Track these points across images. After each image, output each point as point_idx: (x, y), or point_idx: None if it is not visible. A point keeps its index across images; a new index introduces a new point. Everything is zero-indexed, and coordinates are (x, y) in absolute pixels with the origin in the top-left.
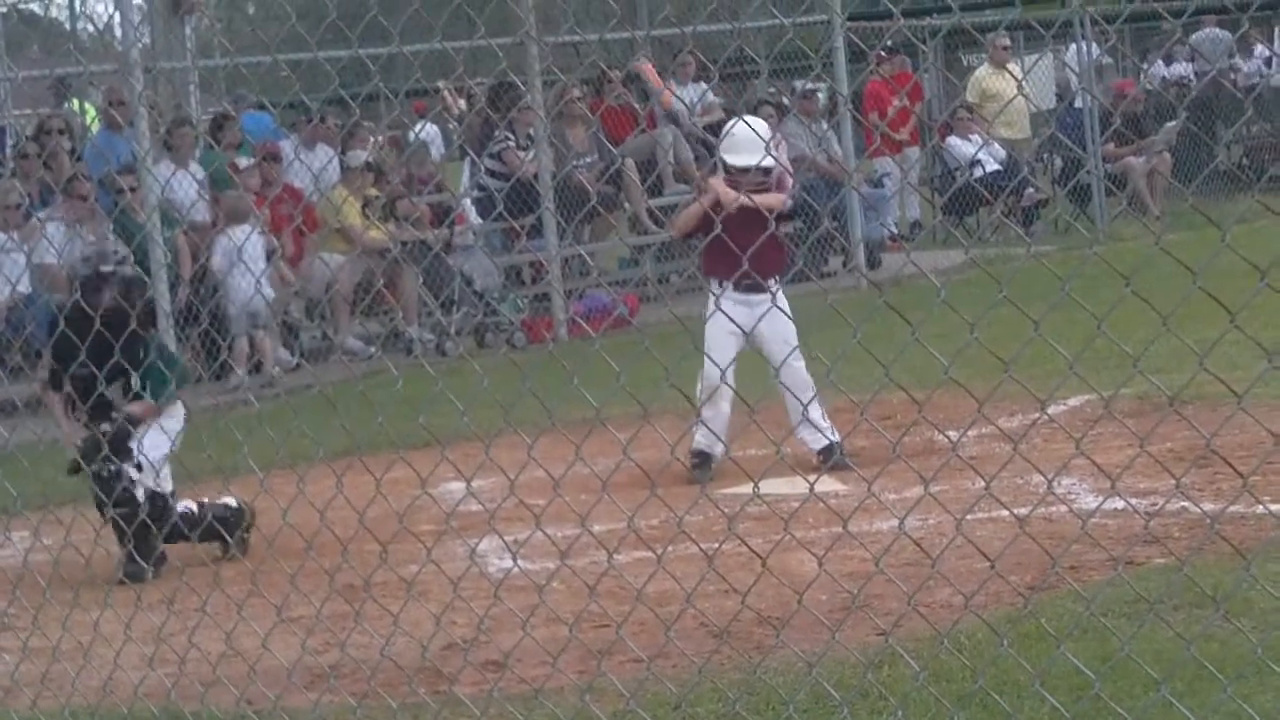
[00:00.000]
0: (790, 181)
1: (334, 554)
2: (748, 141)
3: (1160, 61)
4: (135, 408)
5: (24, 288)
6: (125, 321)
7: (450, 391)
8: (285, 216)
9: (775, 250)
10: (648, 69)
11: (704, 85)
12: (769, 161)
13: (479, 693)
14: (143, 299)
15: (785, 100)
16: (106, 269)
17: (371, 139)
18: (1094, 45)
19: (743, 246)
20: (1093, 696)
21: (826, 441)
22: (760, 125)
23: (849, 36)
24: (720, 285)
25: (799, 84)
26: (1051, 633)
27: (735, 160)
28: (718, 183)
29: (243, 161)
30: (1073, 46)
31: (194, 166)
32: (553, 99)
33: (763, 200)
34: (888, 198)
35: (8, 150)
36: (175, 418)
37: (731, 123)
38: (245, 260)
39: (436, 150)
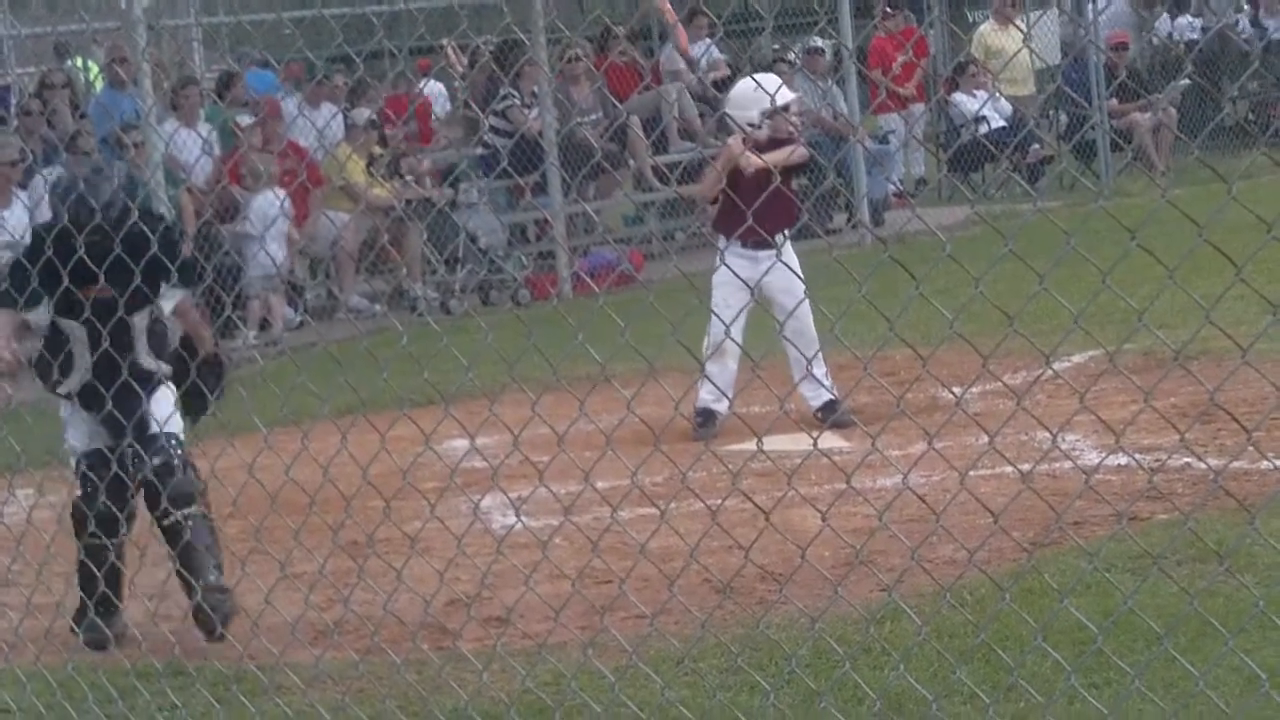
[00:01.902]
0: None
1: (337, 510)
2: (755, 96)
3: (1166, 15)
4: (187, 310)
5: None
6: (143, 226)
7: (455, 348)
8: (289, 174)
9: (785, 205)
10: (665, 6)
11: (707, 40)
12: (786, 98)
13: (482, 648)
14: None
15: (793, 56)
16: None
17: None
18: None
19: (751, 203)
20: (1095, 651)
21: (828, 398)
22: (768, 80)
23: None
24: (728, 242)
25: (803, 40)
26: (1055, 588)
27: (745, 115)
28: (735, 143)
29: (246, 120)
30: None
31: (200, 125)
32: (556, 58)
33: (786, 156)
34: (892, 154)
35: (11, 107)
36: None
37: (744, 82)
38: (254, 221)
39: (441, 107)
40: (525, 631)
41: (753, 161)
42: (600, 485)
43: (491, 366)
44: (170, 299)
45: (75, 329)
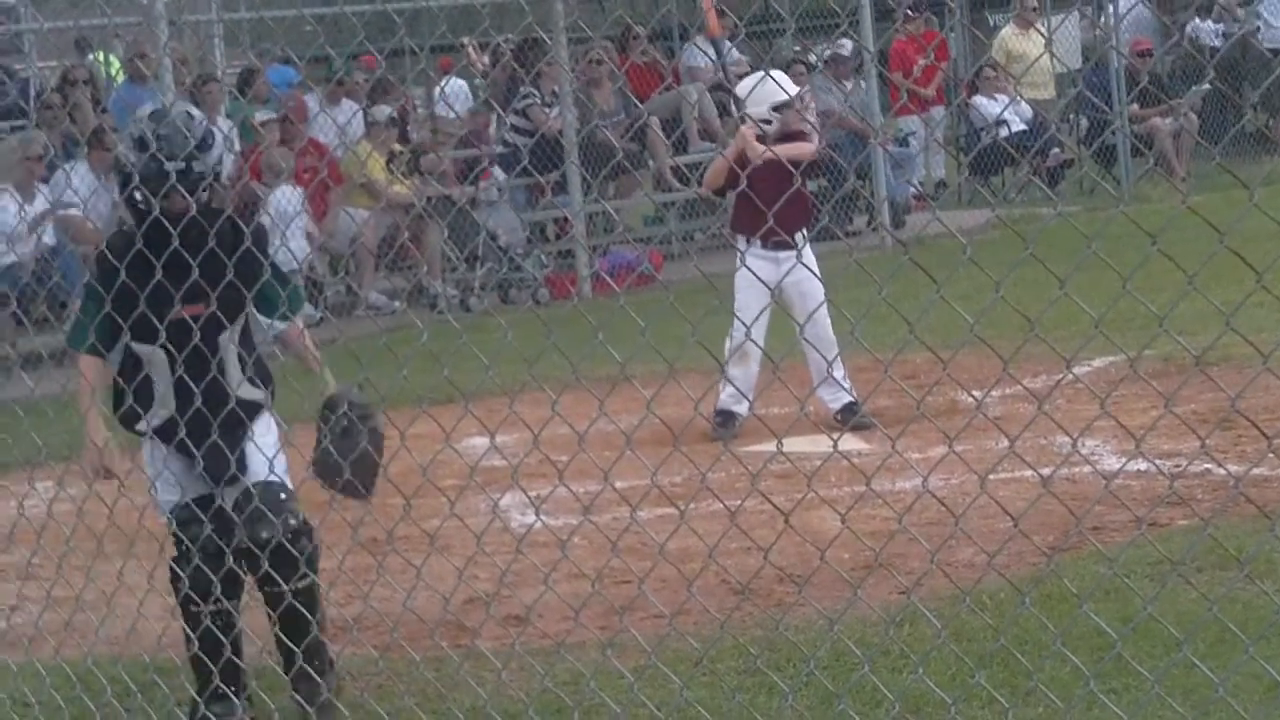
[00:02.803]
0: (816, 138)
1: (357, 507)
2: (765, 91)
3: (1195, 19)
4: (296, 337)
5: (49, 239)
6: (233, 233)
7: (475, 346)
8: (310, 171)
9: (802, 205)
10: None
11: (727, 42)
12: (789, 92)
13: (501, 646)
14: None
15: (813, 57)
16: (185, 165)
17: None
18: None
19: (770, 202)
20: (1115, 656)
21: (847, 400)
22: (781, 77)
23: None
24: (748, 242)
25: (826, 45)
26: (1074, 593)
27: (757, 109)
28: (747, 130)
29: (266, 116)
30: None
31: (221, 121)
32: (577, 58)
33: (791, 149)
34: (913, 156)
35: (32, 101)
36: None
37: (752, 76)
38: (274, 216)
39: (463, 105)
40: (544, 630)
41: (758, 149)
42: (619, 485)
43: (511, 365)
44: (279, 324)
45: (153, 354)
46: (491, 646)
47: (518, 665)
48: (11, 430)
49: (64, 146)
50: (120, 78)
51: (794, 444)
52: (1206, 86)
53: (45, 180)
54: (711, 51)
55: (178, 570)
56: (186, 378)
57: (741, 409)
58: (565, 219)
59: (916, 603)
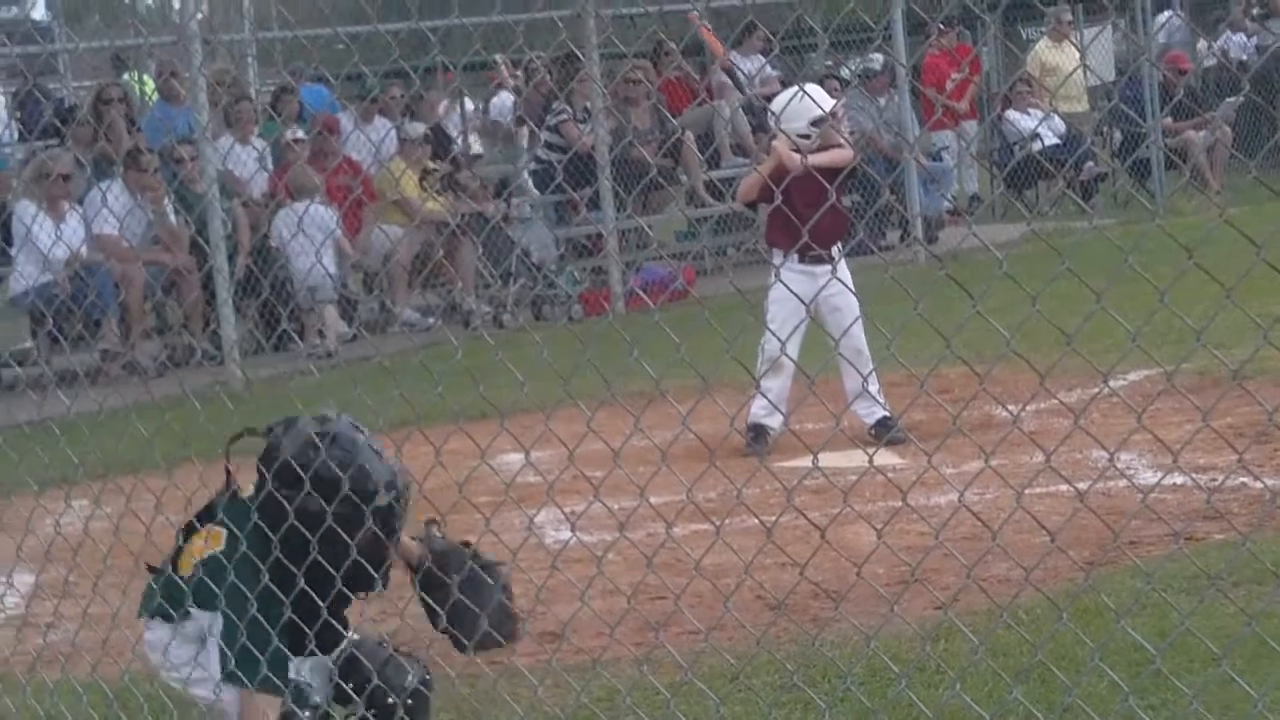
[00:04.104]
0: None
1: None
2: (802, 107)
3: (1228, 33)
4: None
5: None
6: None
7: (509, 363)
8: (344, 189)
9: (838, 217)
10: (705, 30)
11: (760, 58)
12: (825, 107)
13: (536, 663)
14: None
15: (847, 72)
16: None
17: (444, 106)
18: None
19: (806, 216)
20: (1153, 672)
21: (882, 414)
22: (817, 92)
23: (909, 6)
24: (784, 256)
25: (859, 60)
26: (1111, 607)
27: (794, 125)
28: (781, 145)
29: (299, 134)
30: (1161, 15)
31: (256, 140)
32: (610, 74)
33: (829, 157)
34: (947, 170)
35: (66, 121)
36: None
37: (788, 92)
38: (305, 232)
39: (507, 120)
40: (579, 646)
41: (795, 159)
42: (654, 501)
43: (546, 381)
44: None
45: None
46: (527, 663)
47: (553, 682)
48: (48, 448)
49: (97, 165)
50: (154, 97)
51: (829, 459)
52: (1241, 99)
53: (80, 200)
54: (728, 80)
55: None
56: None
57: (774, 422)
58: (598, 235)
59: (953, 618)
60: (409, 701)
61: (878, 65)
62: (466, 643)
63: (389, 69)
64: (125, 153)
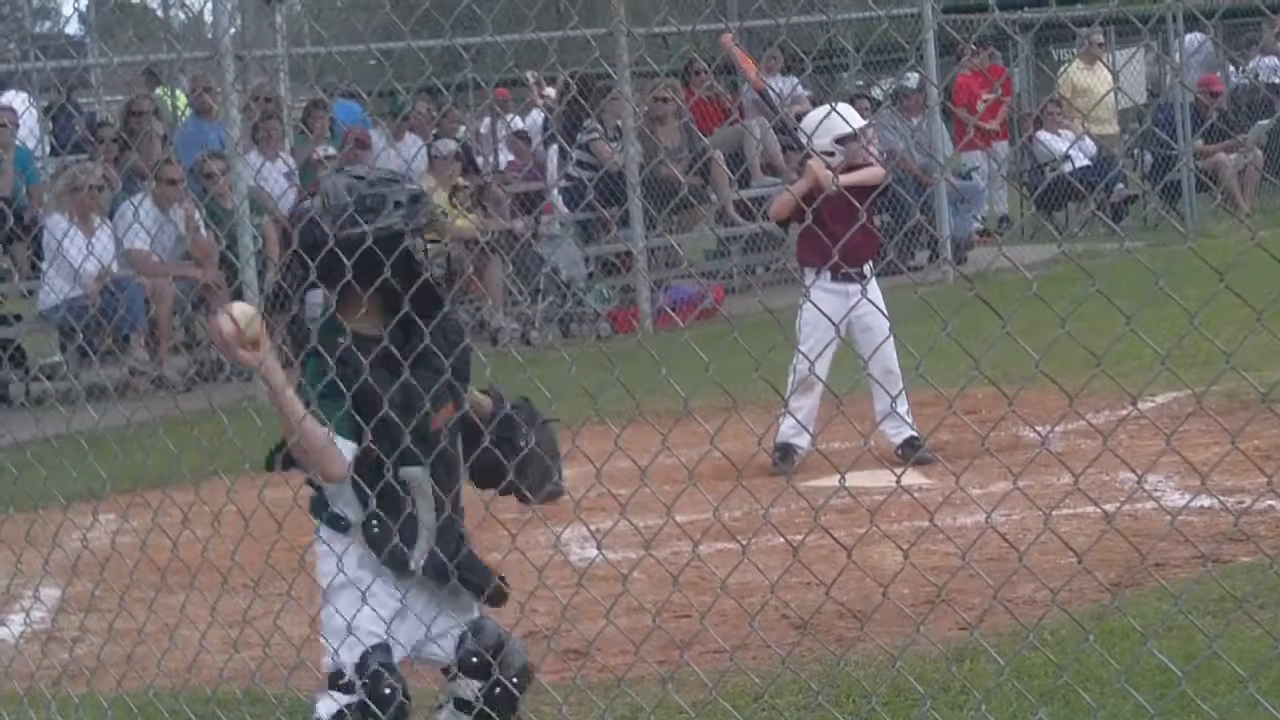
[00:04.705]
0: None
1: None
2: (828, 124)
3: (1259, 55)
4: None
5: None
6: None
7: (537, 380)
8: None
9: (868, 237)
10: (732, 48)
11: (793, 78)
12: (853, 125)
13: (561, 680)
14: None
15: (877, 92)
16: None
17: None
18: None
19: (837, 234)
20: (1178, 694)
21: (909, 434)
22: (846, 110)
23: (941, 27)
24: (816, 275)
25: (892, 79)
26: (1138, 629)
27: (819, 142)
28: (816, 164)
29: (330, 150)
30: (1192, 36)
31: (285, 156)
32: (641, 96)
33: (861, 176)
34: (978, 191)
35: (96, 134)
36: None
37: (818, 111)
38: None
39: (537, 137)
40: (604, 664)
41: (829, 177)
42: (681, 519)
43: (574, 399)
44: None
45: (416, 475)
46: (552, 681)
47: (578, 700)
48: (76, 462)
49: (128, 180)
50: (186, 113)
51: (856, 478)
52: (1272, 122)
53: (110, 215)
54: (757, 98)
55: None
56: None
57: (802, 442)
58: (628, 253)
59: (978, 639)
60: (514, 679)
61: (912, 84)
62: (531, 496)
63: (421, 85)
64: (156, 166)
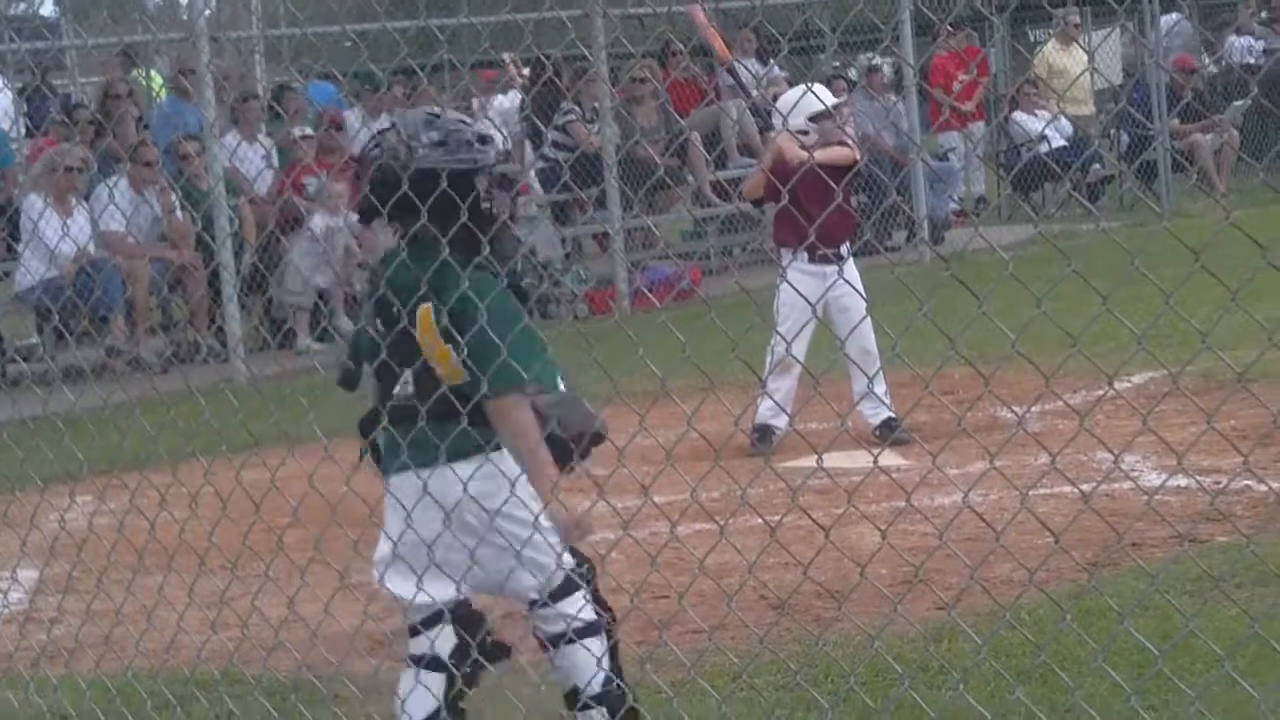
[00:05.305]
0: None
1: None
2: (801, 103)
3: (1233, 35)
4: None
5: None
6: None
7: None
8: (355, 186)
9: (844, 218)
10: (702, 21)
11: (768, 59)
12: (827, 102)
13: (540, 660)
14: None
15: (853, 74)
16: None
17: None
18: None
19: (813, 214)
20: (1155, 673)
21: (887, 415)
22: (820, 90)
23: (917, 7)
24: (792, 256)
25: (864, 57)
26: (1115, 609)
27: (793, 121)
28: (783, 139)
29: (307, 129)
30: (1168, 17)
31: (263, 138)
32: (618, 77)
33: (830, 155)
34: (954, 172)
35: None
36: None
37: (793, 91)
38: (317, 240)
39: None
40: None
41: (798, 153)
42: (658, 500)
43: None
44: None
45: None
46: (531, 660)
47: (556, 679)
48: (52, 444)
49: (104, 162)
50: (162, 94)
51: (833, 459)
52: (1248, 102)
53: (87, 196)
54: (730, 79)
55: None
56: None
57: (780, 423)
58: (605, 234)
59: (956, 618)
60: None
61: (878, 62)
62: (575, 447)
63: (396, 66)
64: (131, 148)
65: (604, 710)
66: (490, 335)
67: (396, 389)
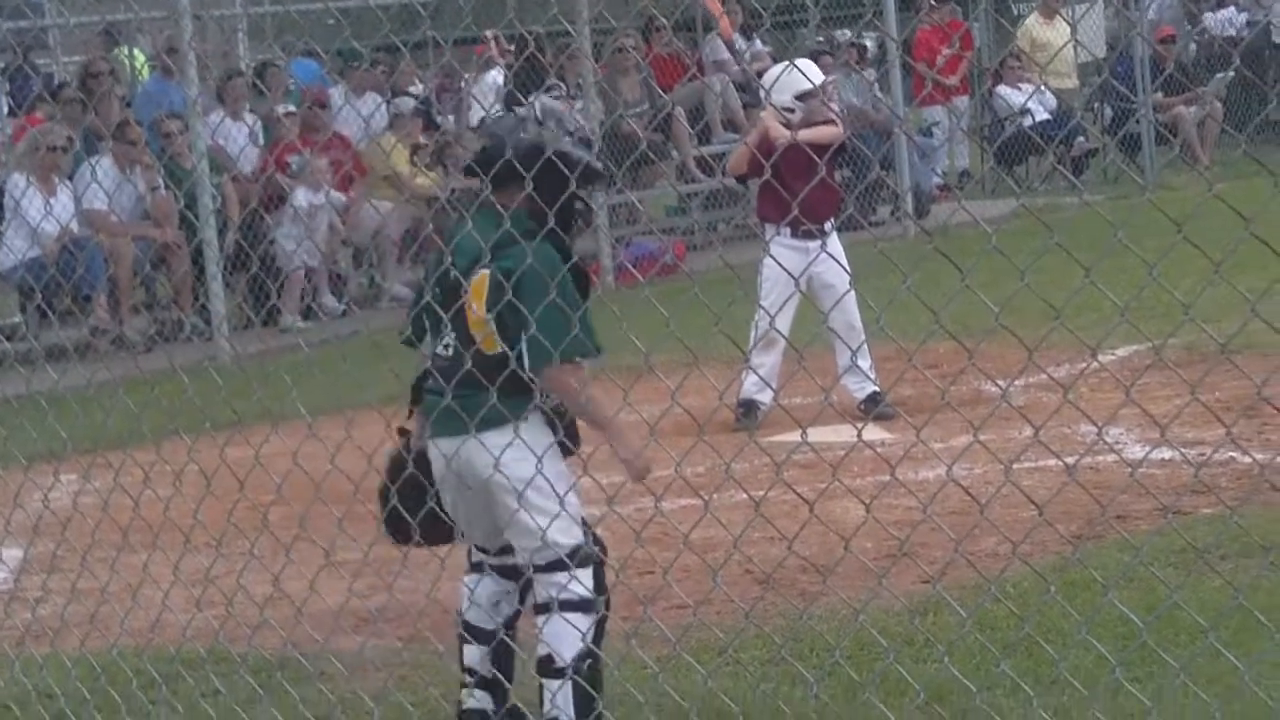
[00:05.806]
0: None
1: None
2: (788, 80)
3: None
4: None
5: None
6: None
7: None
8: (336, 164)
9: (829, 191)
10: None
11: (751, 34)
12: (814, 80)
13: (525, 636)
14: None
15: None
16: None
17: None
18: None
19: (797, 190)
20: (1140, 645)
21: (871, 389)
22: (807, 66)
23: None
24: (776, 231)
25: (842, 33)
26: (1099, 581)
27: (780, 98)
28: (768, 115)
29: (290, 106)
30: None
31: (246, 115)
32: (601, 53)
33: (817, 134)
34: (937, 146)
35: (57, 95)
36: None
37: (778, 66)
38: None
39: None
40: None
41: (783, 132)
42: None
43: None
44: None
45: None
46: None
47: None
48: (36, 423)
49: (87, 140)
50: (145, 73)
51: (818, 434)
52: (1231, 74)
53: (70, 175)
54: (726, 53)
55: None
56: None
57: (765, 398)
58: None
59: (941, 592)
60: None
61: (849, 37)
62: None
63: (379, 43)
64: (115, 127)
65: (567, 685)
66: (558, 303)
67: (439, 349)
